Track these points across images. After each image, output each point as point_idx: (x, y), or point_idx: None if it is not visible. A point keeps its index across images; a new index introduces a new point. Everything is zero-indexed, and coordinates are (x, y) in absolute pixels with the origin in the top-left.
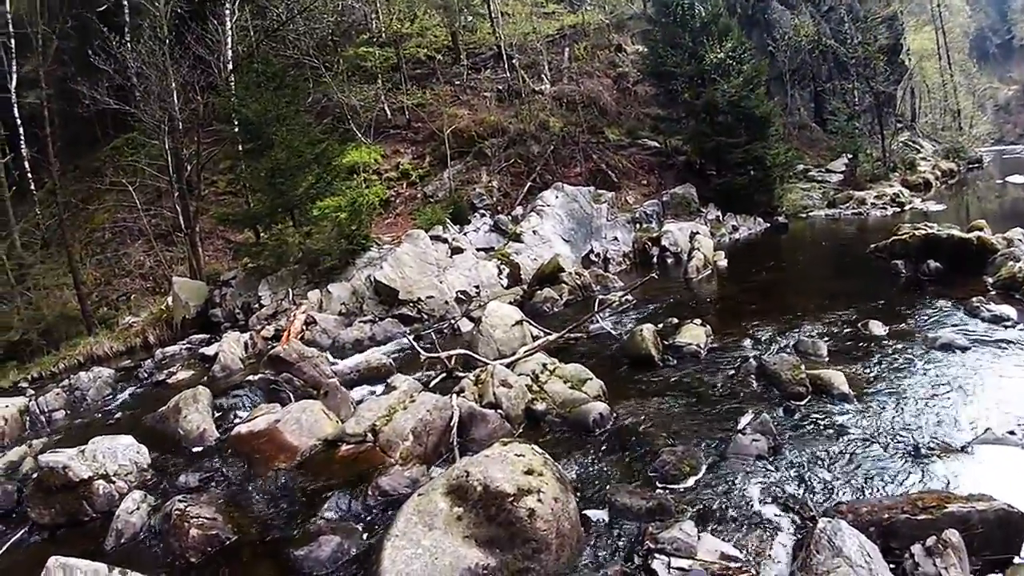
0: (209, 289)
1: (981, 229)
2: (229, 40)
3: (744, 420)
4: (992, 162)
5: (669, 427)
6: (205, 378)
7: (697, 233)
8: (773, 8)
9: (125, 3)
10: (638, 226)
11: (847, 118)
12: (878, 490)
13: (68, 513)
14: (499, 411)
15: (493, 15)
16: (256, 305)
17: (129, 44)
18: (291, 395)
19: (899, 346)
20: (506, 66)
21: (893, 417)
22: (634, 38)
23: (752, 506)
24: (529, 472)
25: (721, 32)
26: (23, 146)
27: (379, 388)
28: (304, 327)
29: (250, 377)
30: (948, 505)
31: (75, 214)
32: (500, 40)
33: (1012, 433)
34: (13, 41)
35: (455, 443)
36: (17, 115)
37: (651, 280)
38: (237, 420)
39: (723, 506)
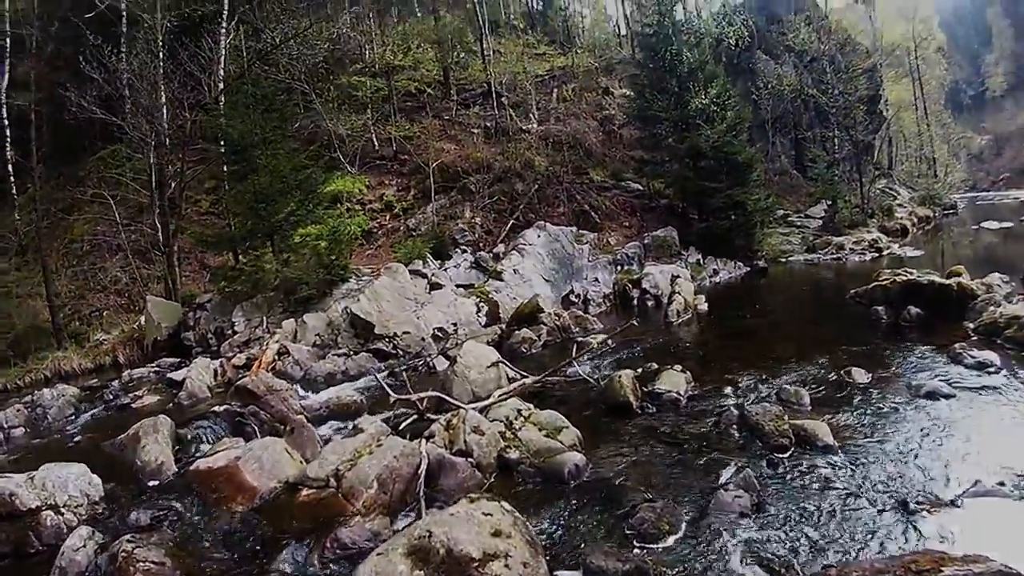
0: (183, 311)
1: (960, 275)
2: (222, 60)
3: (726, 474)
4: (966, 208)
5: (647, 480)
6: (171, 404)
7: (678, 276)
8: (758, 57)
9: (123, 13)
10: (619, 268)
11: (827, 165)
12: (868, 550)
13: (13, 543)
14: (470, 459)
15: (485, 53)
16: (229, 331)
17: (123, 55)
18: (256, 429)
19: (883, 394)
20: (495, 104)
21: (880, 470)
22: (621, 82)
23: (735, 570)
24: (497, 534)
25: (707, 79)
26: (8, 149)
27: (348, 426)
28: (276, 357)
29: (216, 408)
30: (944, 568)
31: (54, 223)
32: (491, 78)
33: (1002, 484)
34: (8, 40)
35: (422, 493)
36: (5, 116)
37: (631, 327)
38: (198, 454)
39: (704, 569)
